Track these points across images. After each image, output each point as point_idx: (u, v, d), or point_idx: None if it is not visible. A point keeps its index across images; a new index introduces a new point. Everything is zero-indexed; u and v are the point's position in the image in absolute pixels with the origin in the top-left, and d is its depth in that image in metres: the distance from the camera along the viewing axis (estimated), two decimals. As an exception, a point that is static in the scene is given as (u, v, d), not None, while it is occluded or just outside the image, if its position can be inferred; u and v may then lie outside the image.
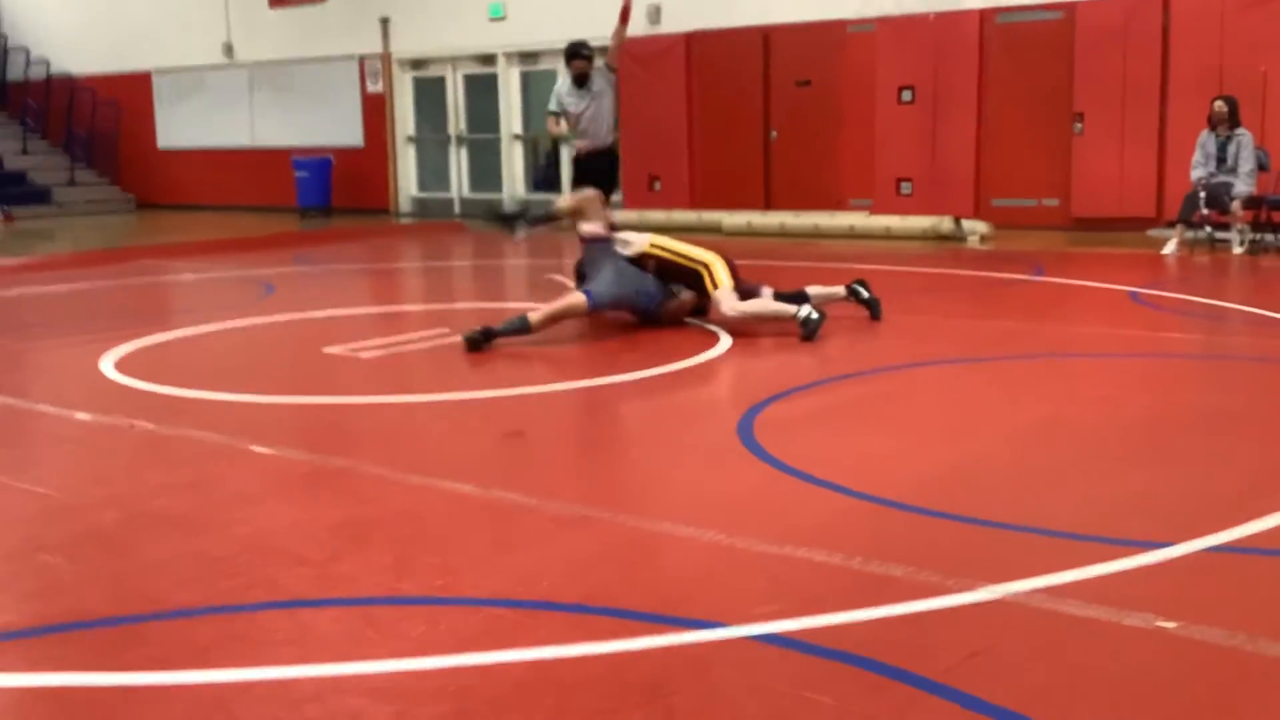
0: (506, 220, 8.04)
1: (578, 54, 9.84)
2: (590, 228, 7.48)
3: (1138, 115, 12.73)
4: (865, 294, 7.53)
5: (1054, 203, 13.47)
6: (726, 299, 7.16)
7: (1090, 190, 13.06)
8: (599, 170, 9.94)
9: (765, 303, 7.19)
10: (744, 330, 7.25)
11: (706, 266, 7.29)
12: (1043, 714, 2.58)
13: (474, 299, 9.73)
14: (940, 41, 13.69)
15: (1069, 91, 13.07)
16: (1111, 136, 12.85)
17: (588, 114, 9.93)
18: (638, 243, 7.48)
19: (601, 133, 10.00)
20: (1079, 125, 13.04)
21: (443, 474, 4.46)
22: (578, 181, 9.93)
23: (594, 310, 7.23)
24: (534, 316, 7.12)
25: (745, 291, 7.30)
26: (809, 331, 6.86)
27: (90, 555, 3.74)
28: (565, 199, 7.97)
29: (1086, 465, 4.51)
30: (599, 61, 10.03)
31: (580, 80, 9.86)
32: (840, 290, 7.52)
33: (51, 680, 2.88)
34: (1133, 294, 8.77)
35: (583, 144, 10.01)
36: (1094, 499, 4.10)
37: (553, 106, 10.12)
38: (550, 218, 7.93)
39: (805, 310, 6.94)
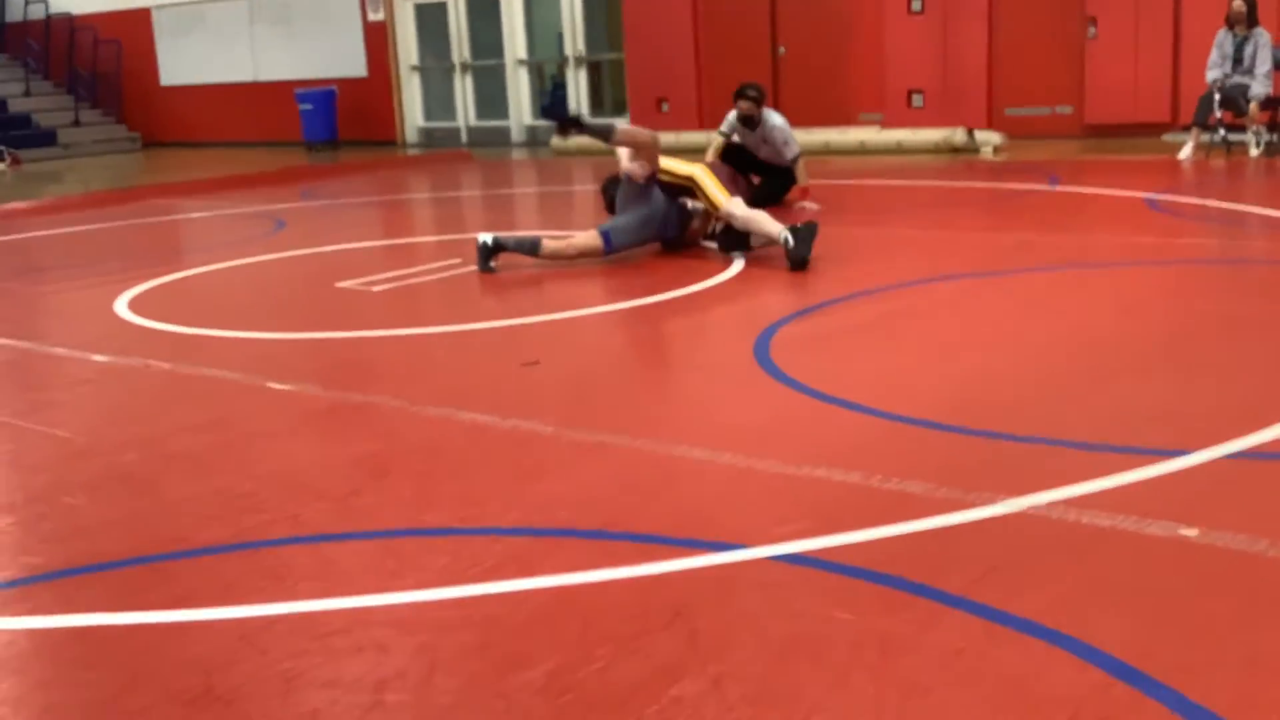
0: (565, 121, 7.52)
1: (742, 95, 9.11)
2: (634, 168, 7.27)
3: (1151, 16, 12.50)
4: (792, 241, 6.77)
5: (1068, 110, 13.29)
6: (737, 209, 7.09)
7: (1104, 96, 12.87)
8: (777, 181, 9.32)
9: (765, 218, 7.05)
10: (757, 252, 7.20)
11: (692, 179, 7.28)
12: (1066, 625, 2.59)
13: (485, 228, 9.67)
14: (949, -52, 13.43)
15: (1081, -5, 12.84)
16: (1125, 40, 12.64)
17: (764, 148, 9.26)
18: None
19: (781, 157, 9.27)
20: (1092, 29, 12.81)
21: (461, 405, 4.46)
22: (749, 180, 9.29)
23: (609, 254, 7.16)
24: (547, 245, 7.14)
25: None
26: (798, 259, 6.64)
27: (112, 496, 3.77)
28: (628, 128, 7.58)
29: (1106, 375, 4.48)
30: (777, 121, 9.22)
31: (747, 121, 9.15)
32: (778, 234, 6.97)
33: (79, 621, 2.91)
34: (1149, 200, 8.67)
35: (767, 155, 9.37)
36: (1114, 409, 4.08)
37: (724, 129, 9.39)
38: (604, 135, 7.38)
39: (785, 234, 6.71)
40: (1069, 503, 3.24)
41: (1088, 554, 2.95)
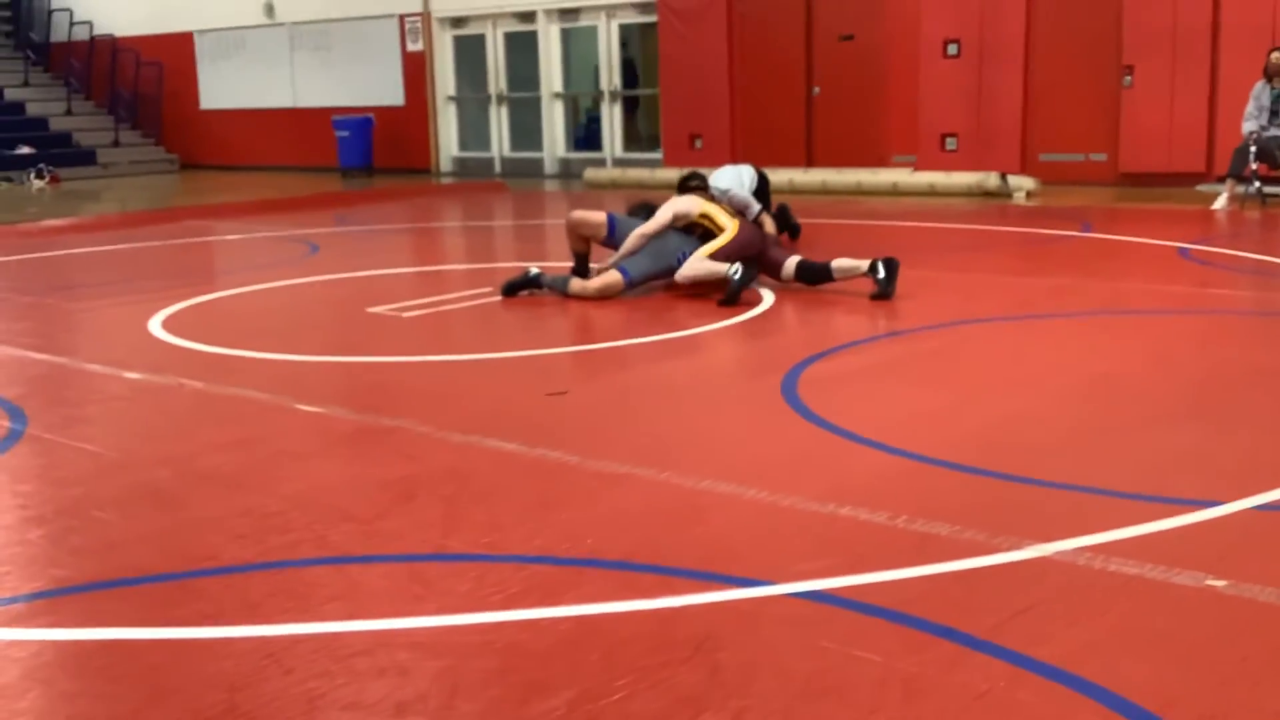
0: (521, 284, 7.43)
1: (683, 188, 8.31)
2: (685, 213, 7.52)
3: (1188, 67, 12.50)
4: (882, 272, 6.98)
5: (1102, 157, 13.28)
6: (693, 262, 7.17)
7: (1139, 144, 12.86)
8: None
9: (706, 264, 7.13)
10: (788, 288, 7.22)
11: (723, 231, 7.32)
12: (1090, 671, 2.57)
13: (516, 258, 9.73)
14: (986, -6, 13.49)
15: (1118, 43, 12.85)
16: (1161, 89, 12.63)
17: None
18: (692, 213, 7.44)
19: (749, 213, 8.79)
20: (1128, 78, 12.82)
21: (487, 432, 4.48)
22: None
23: (629, 287, 7.25)
24: (574, 285, 7.23)
25: (773, 262, 7.35)
26: (730, 294, 6.82)
27: (142, 512, 3.79)
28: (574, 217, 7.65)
29: (1135, 423, 4.46)
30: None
31: None
32: (863, 265, 7.10)
33: (106, 634, 2.93)
34: (1182, 250, 8.64)
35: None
36: (1143, 457, 4.06)
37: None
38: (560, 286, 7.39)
39: (735, 267, 6.91)
40: (1096, 549, 3.22)
41: (1115, 601, 2.94)
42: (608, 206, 7.72)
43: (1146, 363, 5.42)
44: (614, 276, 7.26)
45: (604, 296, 7.21)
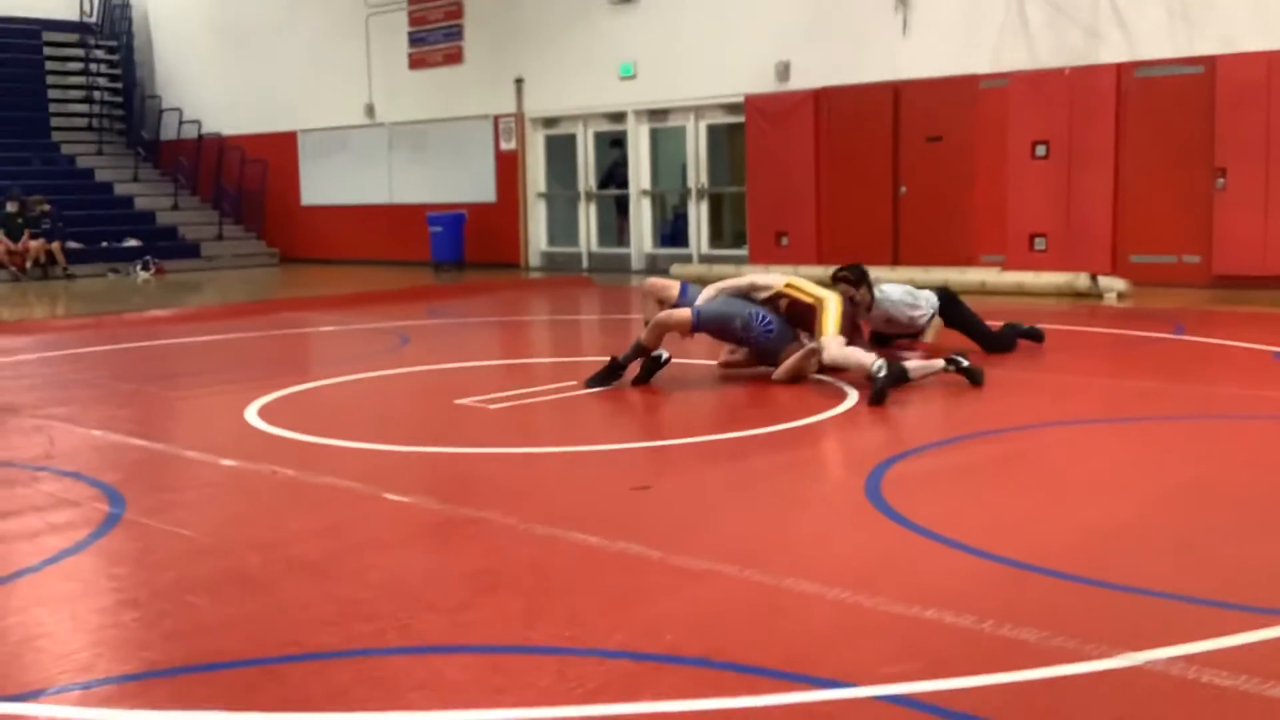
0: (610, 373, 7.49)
1: (834, 278, 8.28)
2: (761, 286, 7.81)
3: (1283, 170, 12.35)
4: (964, 362, 7.11)
5: (1195, 259, 13.10)
6: (832, 344, 7.20)
7: (1233, 247, 12.69)
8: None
9: (858, 353, 7.13)
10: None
11: (820, 302, 7.45)
12: (1183, 787, 2.50)
13: (600, 352, 9.82)
14: (1075, 96, 13.50)
15: (1210, 146, 12.75)
16: (1255, 192, 12.48)
17: (886, 326, 8.69)
18: (775, 283, 7.60)
19: (912, 326, 8.73)
20: (1221, 180, 12.69)
21: (570, 525, 4.51)
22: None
23: (697, 328, 7.44)
24: (643, 335, 7.41)
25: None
26: (876, 390, 6.68)
27: (232, 597, 3.87)
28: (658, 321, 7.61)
29: (1230, 531, 4.36)
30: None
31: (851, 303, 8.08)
32: (939, 363, 7.16)
33: (194, 718, 2.98)
34: (1277, 354, 8.46)
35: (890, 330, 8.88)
36: (1238, 566, 3.96)
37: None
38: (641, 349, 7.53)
39: (879, 363, 6.83)
40: (1189, 659, 3.14)
41: (1207, 713, 2.86)
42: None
43: (1241, 469, 5.30)
44: (683, 312, 7.49)
45: (669, 329, 7.40)
